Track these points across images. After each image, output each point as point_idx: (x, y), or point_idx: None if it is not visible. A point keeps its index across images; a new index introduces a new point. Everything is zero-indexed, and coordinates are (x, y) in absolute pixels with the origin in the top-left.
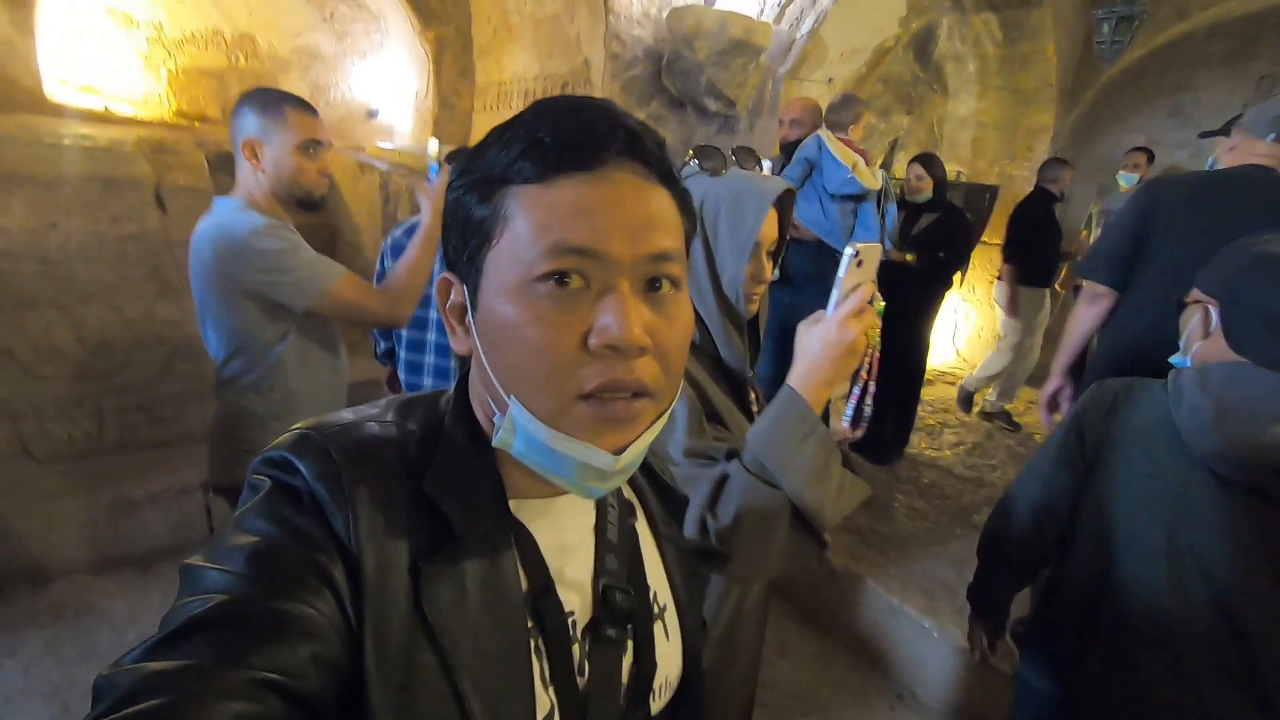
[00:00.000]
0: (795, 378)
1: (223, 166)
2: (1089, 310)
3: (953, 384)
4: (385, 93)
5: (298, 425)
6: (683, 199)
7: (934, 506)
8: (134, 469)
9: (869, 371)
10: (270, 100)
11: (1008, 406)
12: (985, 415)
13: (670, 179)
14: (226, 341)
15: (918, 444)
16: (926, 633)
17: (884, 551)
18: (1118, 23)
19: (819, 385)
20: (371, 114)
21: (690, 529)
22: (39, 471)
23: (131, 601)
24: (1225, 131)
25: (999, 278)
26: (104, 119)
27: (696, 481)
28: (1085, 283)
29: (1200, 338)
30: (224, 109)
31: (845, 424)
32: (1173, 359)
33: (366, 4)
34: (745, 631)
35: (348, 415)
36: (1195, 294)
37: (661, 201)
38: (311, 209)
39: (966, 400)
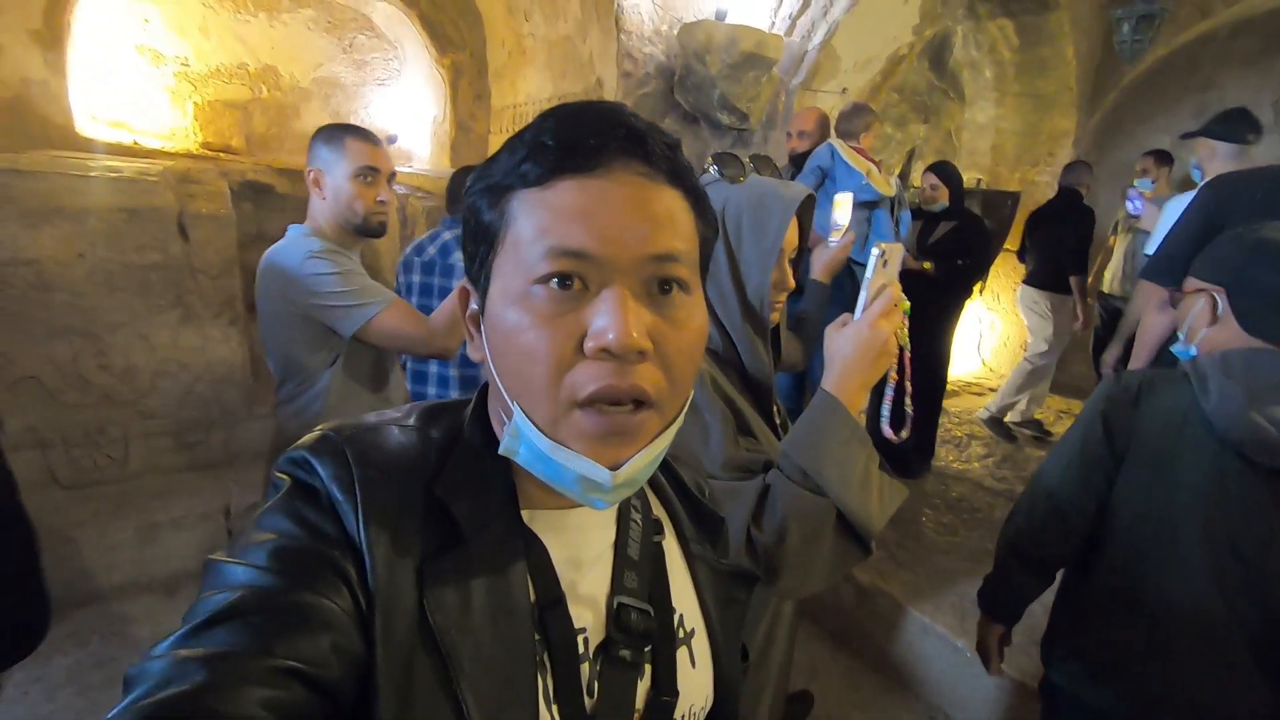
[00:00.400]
0: (830, 382)
1: (245, 195)
2: (1162, 317)
3: (979, 395)
4: (404, 119)
5: (320, 426)
6: (698, 200)
7: (963, 521)
8: (158, 494)
9: (902, 372)
10: (334, 131)
11: (1038, 415)
12: (1016, 425)
13: (681, 179)
14: (280, 364)
15: (945, 456)
16: (959, 652)
17: (913, 569)
18: (1138, 22)
19: (855, 388)
20: (391, 140)
21: (735, 544)
22: (66, 498)
23: (155, 627)
24: (1206, 133)
25: (1027, 283)
26: (132, 152)
27: (737, 495)
28: (1153, 288)
29: (1207, 324)
30: (248, 139)
31: (885, 428)
32: (1175, 349)
33: (384, 33)
34: (776, 655)
35: (371, 418)
36: (1195, 283)
37: (669, 201)
38: (372, 235)
39: (998, 424)
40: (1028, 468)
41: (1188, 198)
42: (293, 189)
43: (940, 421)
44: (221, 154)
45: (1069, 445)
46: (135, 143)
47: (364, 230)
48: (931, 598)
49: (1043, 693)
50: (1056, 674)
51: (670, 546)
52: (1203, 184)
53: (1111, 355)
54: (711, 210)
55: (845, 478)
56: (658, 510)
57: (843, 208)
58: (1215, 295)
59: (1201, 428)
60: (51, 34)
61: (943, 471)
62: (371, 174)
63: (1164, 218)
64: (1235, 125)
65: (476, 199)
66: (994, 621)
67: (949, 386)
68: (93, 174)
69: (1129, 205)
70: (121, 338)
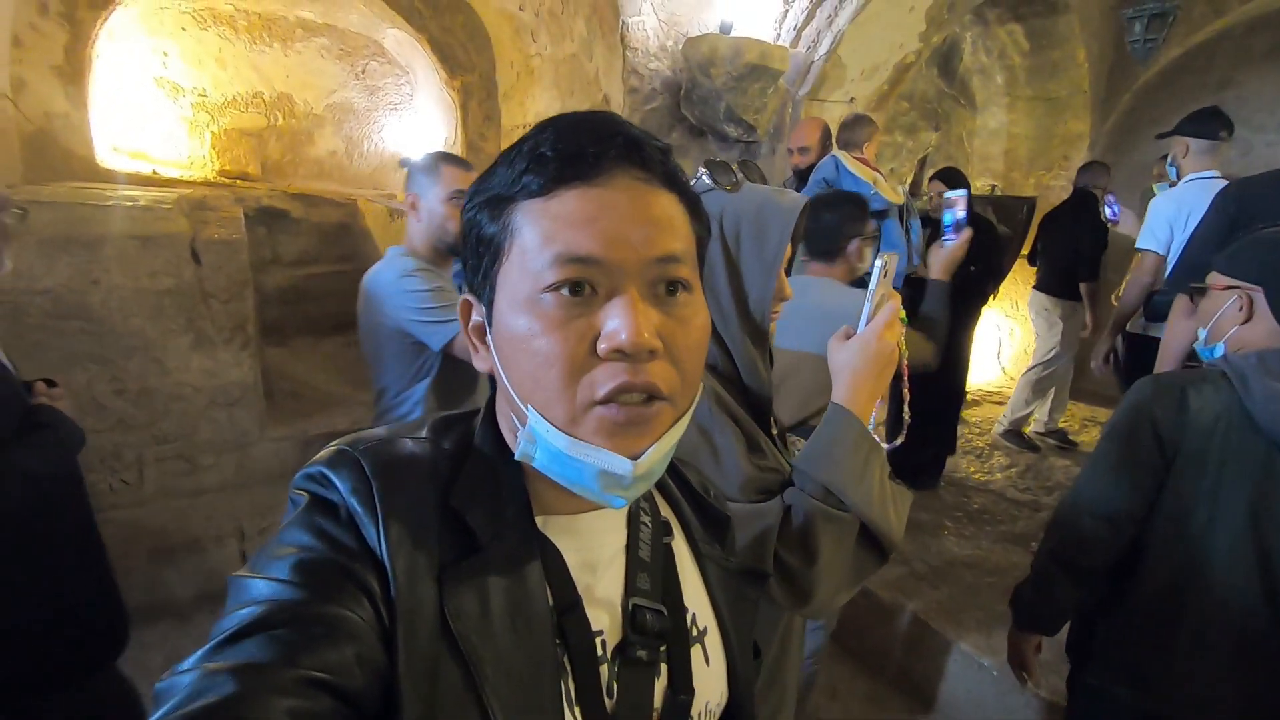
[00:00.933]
0: (842, 396)
1: (261, 220)
2: (1187, 323)
3: (1000, 404)
4: (416, 142)
5: (336, 442)
6: (692, 202)
7: (986, 534)
8: (173, 517)
9: (899, 380)
10: (431, 159)
11: (1061, 423)
12: (1040, 435)
13: (675, 182)
14: (378, 376)
15: (965, 468)
16: (985, 671)
17: (935, 585)
18: (1150, 21)
19: (866, 400)
20: (403, 163)
21: (767, 567)
22: None
23: (170, 651)
24: (1180, 131)
25: (1038, 288)
26: (151, 181)
27: (759, 518)
28: (1179, 296)
29: (1238, 323)
30: (263, 165)
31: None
32: (1197, 347)
33: (396, 58)
34: (791, 672)
35: (384, 432)
36: (1224, 281)
37: (666, 205)
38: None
39: (1017, 437)
40: (1052, 478)
41: (1172, 195)
42: (306, 214)
43: (960, 432)
44: (238, 181)
45: (1113, 452)
46: (155, 172)
47: (455, 250)
48: (955, 614)
49: (1071, 690)
50: (1093, 675)
51: (679, 547)
52: (1219, 190)
53: (1101, 348)
54: (704, 211)
55: (868, 492)
56: (665, 511)
57: (959, 205)
58: (1251, 294)
59: (1247, 428)
60: (73, 69)
61: (964, 483)
62: (463, 196)
63: (1151, 215)
64: (1208, 123)
65: (476, 213)
66: (1031, 633)
67: (969, 396)
68: (108, 203)
69: (1106, 211)
70: (135, 363)
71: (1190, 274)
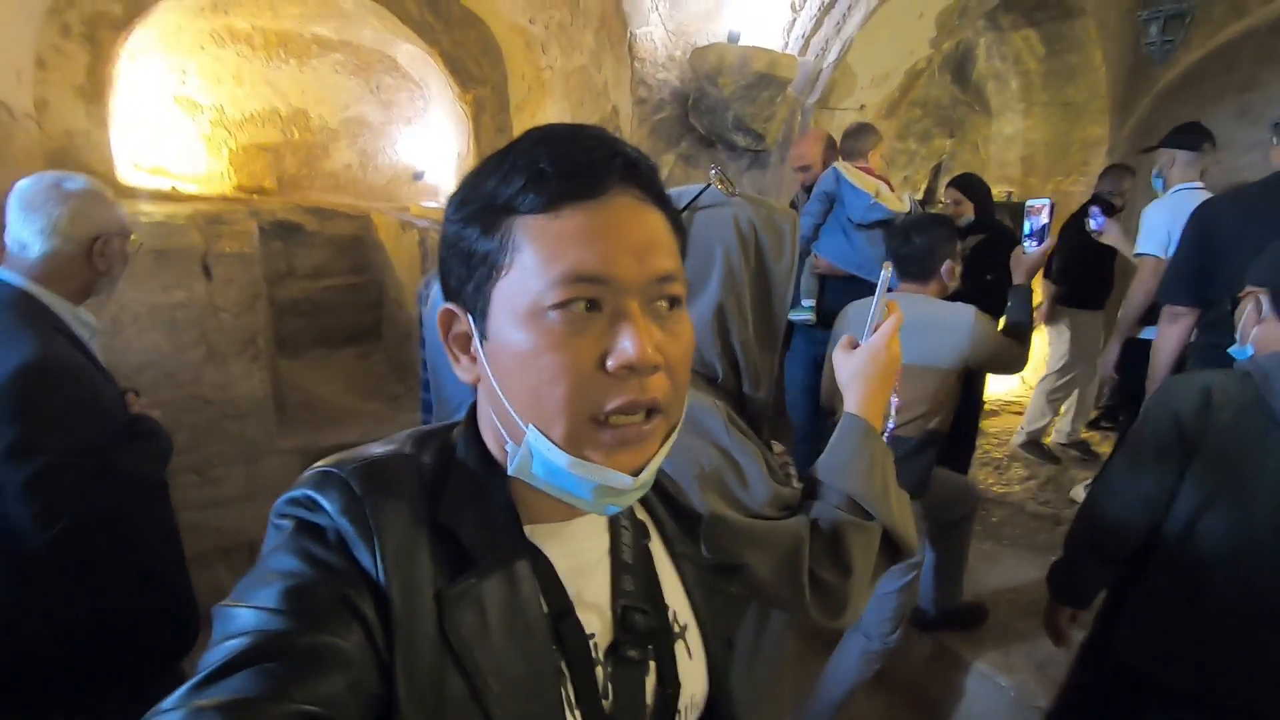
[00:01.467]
0: (857, 405)
1: (276, 234)
2: (1172, 329)
3: (1019, 413)
4: (429, 155)
5: (317, 464)
6: (675, 219)
7: (1004, 548)
8: (183, 530)
9: (895, 385)
10: None
11: (1084, 434)
12: (1062, 446)
13: (664, 201)
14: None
15: (984, 480)
16: (1003, 691)
17: None
18: (1166, 22)
19: (877, 409)
20: (417, 176)
21: (795, 590)
22: None
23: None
24: (1166, 144)
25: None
26: (170, 198)
27: (788, 534)
28: (1165, 306)
29: (1255, 323)
30: (279, 180)
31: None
32: (1232, 350)
33: (409, 73)
34: (786, 682)
35: (366, 450)
36: (1248, 288)
37: (659, 223)
38: None
39: (1037, 448)
40: (1073, 490)
41: (1164, 204)
42: (321, 227)
43: (978, 443)
44: (254, 196)
45: (1140, 444)
46: (174, 189)
47: None
48: (973, 631)
49: (1085, 653)
50: (1119, 650)
51: (656, 548)
52: (1193, 209)
53: (1112, 355)
54: (683, 225)
55: (889, 500)
56: (641, 515)
57: (1044, 213)
58: (1260, 296)
59: (1269, 425)
60: (94, 89)
61: (982, 495)
62: None
63: (1146, 222)
64: (1192, 136)
65: (465, 225)
66: (1064, 605)
67: (987, 406)
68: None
69: (1090, 222)
70: (147, 376)
71: (1167, 284)
